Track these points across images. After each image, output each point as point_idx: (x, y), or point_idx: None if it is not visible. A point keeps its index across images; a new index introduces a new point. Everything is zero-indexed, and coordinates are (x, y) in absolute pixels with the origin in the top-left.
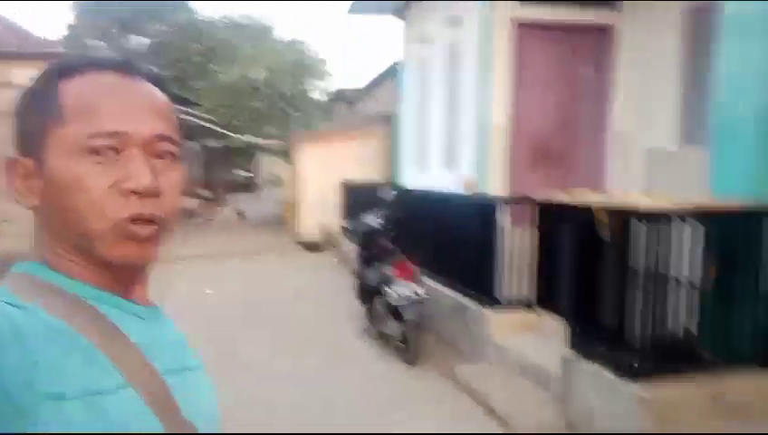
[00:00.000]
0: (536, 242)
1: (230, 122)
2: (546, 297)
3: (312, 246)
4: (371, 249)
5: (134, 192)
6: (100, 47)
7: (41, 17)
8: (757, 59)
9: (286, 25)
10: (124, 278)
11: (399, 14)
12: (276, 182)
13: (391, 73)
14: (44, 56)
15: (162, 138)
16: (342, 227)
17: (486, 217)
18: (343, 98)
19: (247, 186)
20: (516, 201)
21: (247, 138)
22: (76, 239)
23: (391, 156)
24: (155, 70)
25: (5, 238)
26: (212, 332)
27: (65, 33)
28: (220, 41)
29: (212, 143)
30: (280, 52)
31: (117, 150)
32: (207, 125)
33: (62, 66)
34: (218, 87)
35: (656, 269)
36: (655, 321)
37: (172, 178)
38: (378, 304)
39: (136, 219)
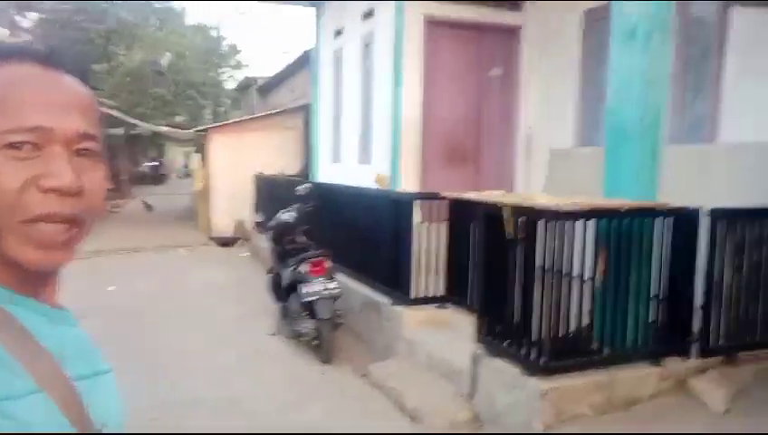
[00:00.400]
0: (447, 239)
1: (133, 109)
2: (457, 293)
3: (224, 241)
4: (285, 245)
5: (54, 190)
6: None
7: None
8: (641, 63)
9: (196, 10)
10: (35, 278)
11: (312, 3)
12: (187, 174)
13: (304, 63)
14: None
15: (86, 136)
16: (255, 222)
17: (399, 213)
18: (254, 86)
19: (155, 177)
20: (427, 197)
21: (151, 126)
22: None
23: (306, 148)
24: (82, 62)
25: None
26: (117, 330)
27: None
28: (123, 22)
29: (114, 131)
30: (188, 37)
31: (38, 147)
32: (109, 111)
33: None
34: (120, 71)
35: (554, 266)
36: (554, 317)
37: (95, 177)
38: (292, 301)
39: (53, 218)
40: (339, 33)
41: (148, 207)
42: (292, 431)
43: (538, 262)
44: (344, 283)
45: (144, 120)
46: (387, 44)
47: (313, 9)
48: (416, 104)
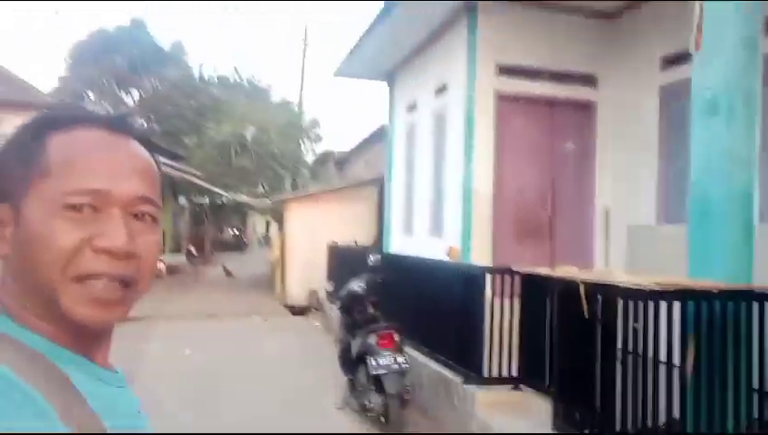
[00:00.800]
0: (521, 316)
1: (218, 179)
2: (532, 374)
3: (297, 309)
4: (354, 315)
5: (107, 251)
6: (91, 99)
7: (35, 67)
8: (724, 139)
9: (281, 87)
10: (88, 338)
11: (386, 79)
12: (266, 242)
13: (379, 136)
14: (34, 105)
15: (143, 199)
16: (327, 291)
17: (469, 287)
18: (332, 159)
19: (237, 245)
20: (499, 271)
21: (234, 196)
22: (42, 293)
23: (380, 219)
24: (146, 128)
25: None
26: (188, 394)
27: (57, 84)
28: (213, 99)
29: (201, 200)
30: (272, 111)
31: (96, 209)
32: (196, 181)
33: (52, 118)
34: (208, 144)
35: (638, 350)
36: (640, 406)
37: (149, 240)
38: (359, 374)
39: (103, 278)
40: (412, 107)
41: (228, 273)
42: None
43: (619, 344)
44: (414, 357)
45: (227, 190)
46: (459, 119)
47: (386, 84)
48: (487, 178)
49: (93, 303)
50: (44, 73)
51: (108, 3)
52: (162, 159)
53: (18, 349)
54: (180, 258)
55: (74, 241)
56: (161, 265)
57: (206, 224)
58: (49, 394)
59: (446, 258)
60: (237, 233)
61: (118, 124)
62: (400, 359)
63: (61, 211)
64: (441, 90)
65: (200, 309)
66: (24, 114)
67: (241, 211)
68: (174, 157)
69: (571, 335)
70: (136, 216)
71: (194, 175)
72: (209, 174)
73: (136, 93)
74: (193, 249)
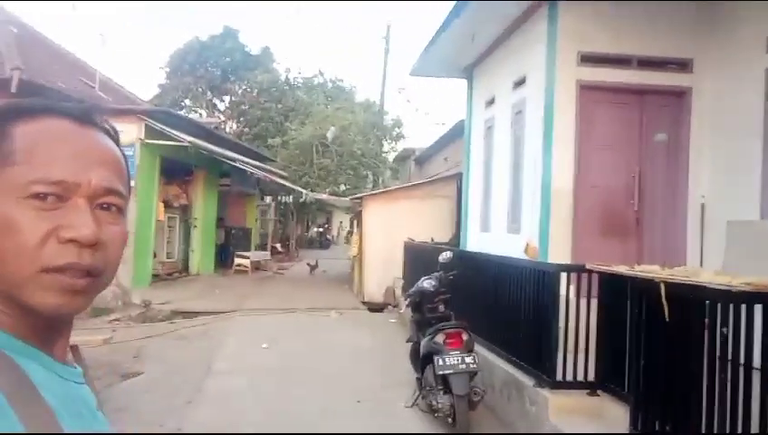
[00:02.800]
0: (598, 317)
1: (300, 179)
2: (610, 379)
3: (374, 306)
4: (424, 313)
5: (73, 241)
6: (187, 105)
7: (136, 76)
8: None
9: (364, 88)
10: (48, 332)
11: (463, 75)
12: (347, 239)
13: (458, 133)
14: (134, 112)
15: (109, 190)
16: (402, 288)
17: (543, 286)
18: (412, 157)
19: (322, 242)
20: (574, 269)
21: (315, 194)
22: (5, 284)
23: (458, 216)
24: (110, 122)
25: None
26: (262, 388)
27: (157, 91)
28: (299, 101)
29: (286, 198)
30: (354, 111)
31: (61, 198)
32: (280, 181)
33: (17, 106)
34: (291, 144)
35: (728, 356)
36: (730, 417)
37: (115, 231)
38: (427, 373)
39: (70, 269)
40: (490, 102)
41: (312, 268)
42: None
43: (706, 349)
44: (484, 357)
45: (309, 189)
46: (538, 112)
47: (465, 81)
48: (568, 172)
49: (58, 293)
50: (146, 83)
51: (203, 13)
52: (248, 160)
53: None
54: (265, 255)
55: (41, 232)
56: (246, 262)
57: (292, 222)
58: (7, 391)
59: (523, 256)
60: (322, 230)
61: (84, 115)
62: (468, 359)
63: (26, 201)
64: (519, 83)
65: (280, 304)
66: (126, 121)
67: (326, 209)
68: (260, 158)
69: (652, 339)
70: (102, 206)
71: (277, 174)
72: (292, 173)
73: (227, 99)
74: (278, 246)
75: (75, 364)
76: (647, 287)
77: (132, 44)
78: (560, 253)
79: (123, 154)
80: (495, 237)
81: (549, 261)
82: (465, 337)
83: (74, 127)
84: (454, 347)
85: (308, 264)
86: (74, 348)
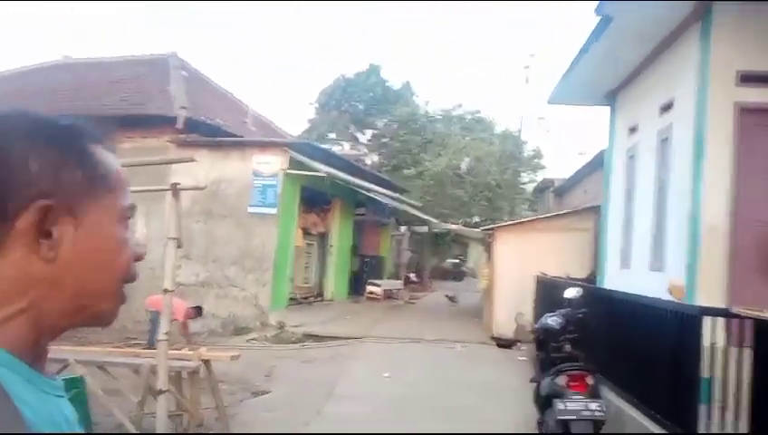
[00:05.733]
0: (753, 367)
1: (433, 209)
2: None
3: (503, 341)
4: (548, 352)
5: (139, 258)
6: (332, 138)
7: (290, 112)
8: None
9: (502, 117)
10: (46, 345)
11: (605, 101)
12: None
13: (598, 163)
14: (278, 144)
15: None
16: (532, 324)
17: (683, 330)
18: (551, 188)
19: (456, 274)
20: (724, 315)
21: (447, 225)
22: (80, 298)
23: (596, 251)
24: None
25: (233, 300)
26: (380, 417)
27: (306, 126)
28: (436, 133)
29: (420, 229)
30: (492, 142)
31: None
32: (413, 211)
33: (91, 133)
34: (426, 175)
35: None
36: None
37: None
38: (548, 417)
39: (133, 280)
40: (633, 130)
41: (453, 300)
42: None
43: None
44: (614, 405)
45: (441, 219)
46: (687, 138)
47: (608, 108)
48: (722, 205)
49: (121, 302)
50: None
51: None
52: (382, 190)
53: None
54: (398, 284)
55: (131, 251)
56: (378, 289)
57: (426, 252)
58: None
59: (666, 296)
60: (457, 262)
61: (102, 137)
62: (593, 405)
63: (119, 224)
64: (666, 108)
65: (407, 333)
66: (272, 153)
67: (462, 241)
68: (395, 188)
69: None
70: None
71: (410, 204)
72: (425, 204)
73: (369, 132)
74: (412, 276)
75: (56, 377)
76: None
77: (287, 83)
78: (711, 295)
79: None
80: (636, 275)
81: (697, 303)
82: (590, 381)
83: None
84: (577, 391)
85: (447, 295)
86: (207, 363)
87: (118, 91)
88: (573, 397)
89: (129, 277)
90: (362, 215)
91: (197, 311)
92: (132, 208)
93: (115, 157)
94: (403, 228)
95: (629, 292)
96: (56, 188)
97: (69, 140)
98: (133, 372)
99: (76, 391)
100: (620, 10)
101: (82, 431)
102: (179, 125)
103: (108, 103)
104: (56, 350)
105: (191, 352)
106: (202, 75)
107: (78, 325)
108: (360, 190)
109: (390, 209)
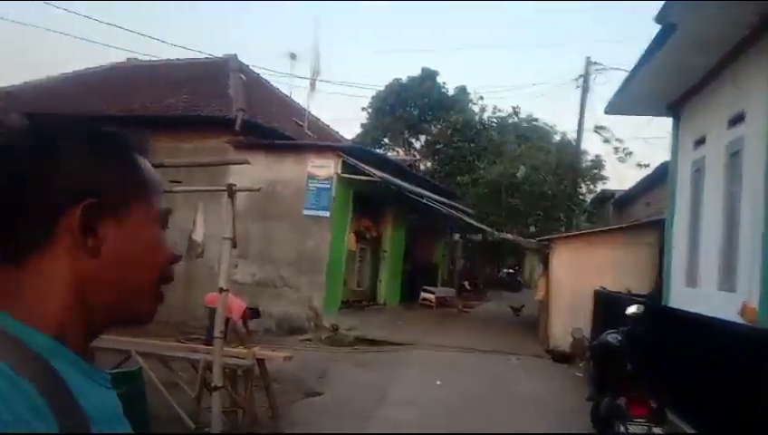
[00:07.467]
0: None
1: (487, 218)
2: None
3: (559, 356)
4: (606, 370)
5: (175, 261)
6: (386, 144)
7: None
8: None
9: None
10: (92, 339)
11: (667, 112)
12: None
13: (662, 175)
14: (333, 148)
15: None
16: (589, 339)
17: (755, 355)
18: (611, 200)
19: (512, 284)
20: None
21: (501, 234)
22: (119, 295)
23: (660, 267)
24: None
25: (287, 301)
26: (430, 425)
27: (359, 130)
28: (491, 140)
29: (474, 237)
30: (548, 151)
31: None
32: (466, 219)
33: (133, 139)
34: (480, 183)
35: None
36: None
37: None
38: None
39: (170, 282)
40: (699, 142)
41: (516, 311)
42: None
43: None
44: (679, 432)
45: (495, 228)
46: (759, 151)
47: (670, 118)
48: None
49: (158, 302)
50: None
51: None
52: (435, 196)
53: (17, 346)
54: (451, 291)
55: (167, 252)
56: (431, 296)
57: (479, 260)
58: (48, 396)
59: (737, 318)
60: (513, 272)
61: (142, 145)
62: (656, 430)
63: (156, 226)
64: (736, 120)
65: (460, 342)
66: (326, 157)
67: (518, 251)
68: (448, 195)
69: None
70: None
71: (463, 212)
72: (479, 212)
73: (423, 138)
74: (466, 284)
75: (104, 369)
76: None
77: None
78: None
79: None
80: (704, 294)
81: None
82: (653, 404)
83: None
84: (639, 414)
85: (511, 306)
86: (261, 362)
87: (179, 93)
88: (635, 420)
89: (166, 278)
90: (415, 221)
91: (254, 312)
92: (168, 212)
93: (150, 166)
94: (456, 236)
95: (696, 311)
96: (100, 187)
97: (112, 144)
98: (191, 366)
99: (133, 383)
100: (684, 16)
101: (127, 423)
102: (237, 127)
103: (169, 104)
104: (118, 341)
105: (246, 351)
106: (261, 79)
107: (118, 323)
108: (414, 196)
109: (444, 216)
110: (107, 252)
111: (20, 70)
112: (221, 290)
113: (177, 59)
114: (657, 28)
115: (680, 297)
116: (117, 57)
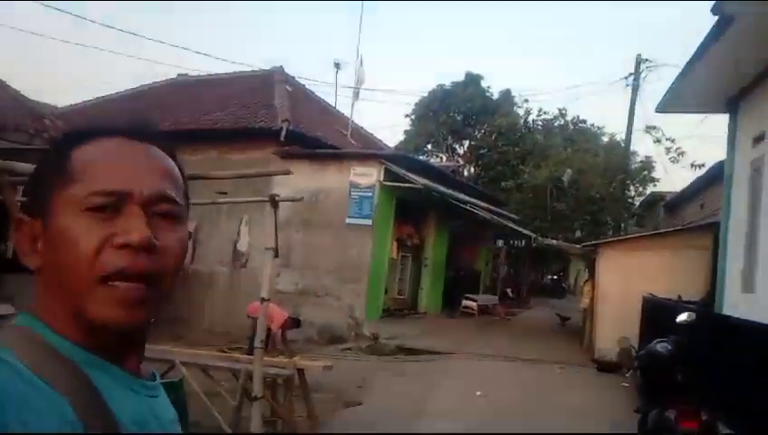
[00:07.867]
0: None
1: (531, 222)
2: None
3: (605, 365)
4: (655, 381)
5: (126, 246)
6: (429, 150)
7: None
8: None
9: (612, 127)
10: (119, 345)
11: (724, 109)
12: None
13: (716, 176)
14: (375, 156)
15: (164, 198)
16: (636, 349)
17: None
18: (662, 203)
19: (556, 290)
20: None
21: (546, 240)
22: (71, 300)
23: (714, 272)
24: (163, 132)
25: (329, 309)
26: None
27: (402, 137)
28: (537, 144)
29: (518, 243)
30: (598, 153)
31: (117, 209)
32: (510, 225)
33: (74, 133)
34: (525, 188)
35: None
36: None
37: (172, 237)
38: None
39: (126, 273)
40: (759, 139)
41: (562, 319)
42: None
43: None
44: None
45: (540, 234)
46: None
47: (726, 115)
48: None
49: (115, 306)
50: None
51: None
52: (478, 202)
53: (49, 354)
54: (493, 299)
55: (96, 240)
56: (473, 304)
57: (523, 267)
58: (76, 404)
59: None
60: (557, 278)
61: (135, 131)
62: None
63: (83, 214)
64: None
65: (502, 351)
66: (369, 165)
67: (563, 257)
68: (492, 201)
69: None
70: (158, 214)
71: (507, 218)
72: (524, 217)
73: (466, 143)
74: (509, 291)
75: (152, 377)
76: None
77: (385, 95)
78: None
79: (179, 165)
80: (761, 300)
81: None
82: (705, 417)
83: (126, 142)
84: (689, 427)
85: (558, 314)
86: (300, 372)
87: (227, 106)
88: (685, 433)
89: (105, 271)
90: (458, 227)
91: (295, 322)
92: (114, 194)
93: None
94: (500, 242)
95: (752, 319)
96: (33, 201)
97: (46, 152)
98: (233, 375)
99: (175, 393)
100: (743, 8)
101: (175, 431)
102: (282, 137)
103: (219, 118)
104: (164, 351)
105: (286, 360)
106: (306, 90)
107: (101, 335)
108: (457, 203)
109: (487, 222)
110: (43, 254)
111: (76, 89)
112: (263, 300)
113: (225, 73)
114: (712, 21)
115: (735, 304)
116: (167, 73)
